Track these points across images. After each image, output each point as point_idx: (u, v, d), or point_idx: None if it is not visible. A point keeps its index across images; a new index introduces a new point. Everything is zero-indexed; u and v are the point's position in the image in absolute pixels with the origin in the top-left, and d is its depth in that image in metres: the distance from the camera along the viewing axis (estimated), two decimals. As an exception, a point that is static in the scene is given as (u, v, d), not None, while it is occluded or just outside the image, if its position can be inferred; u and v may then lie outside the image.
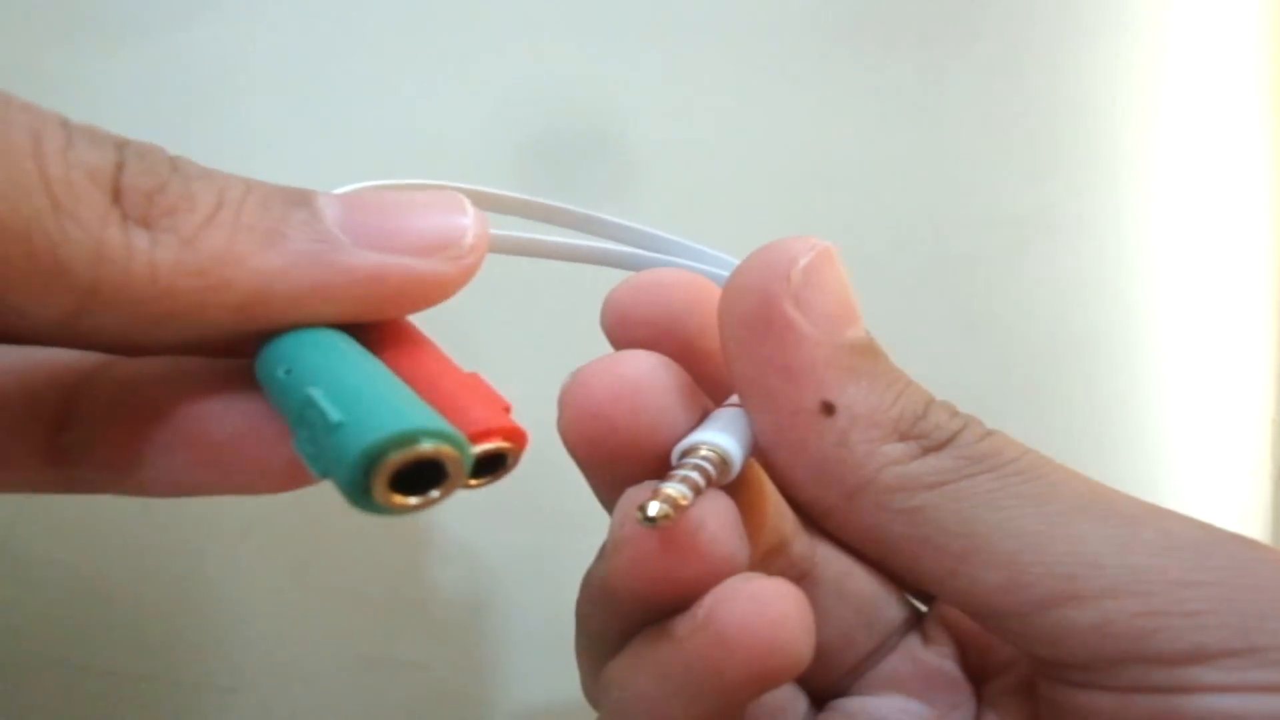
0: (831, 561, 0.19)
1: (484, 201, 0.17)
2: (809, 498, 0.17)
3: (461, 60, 0.30)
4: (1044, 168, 0.36)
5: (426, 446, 0.11)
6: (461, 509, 0.24)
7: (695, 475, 0.16)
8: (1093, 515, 0.15)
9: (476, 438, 0.13)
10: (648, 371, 0.17)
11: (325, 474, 0.12)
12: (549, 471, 0.23)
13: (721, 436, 0.16)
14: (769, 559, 0.19)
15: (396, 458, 0.11)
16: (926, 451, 0.16)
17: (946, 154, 0.34)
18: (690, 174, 0.22)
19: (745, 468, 0.17)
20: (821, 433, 0.16)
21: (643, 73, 0.31)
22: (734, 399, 0.18)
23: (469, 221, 0.14)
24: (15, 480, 0.15)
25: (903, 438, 0.16)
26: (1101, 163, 0.37)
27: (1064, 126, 0.36)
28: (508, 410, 0.14)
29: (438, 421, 0.12)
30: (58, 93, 0.28)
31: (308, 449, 0.12)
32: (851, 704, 0.19)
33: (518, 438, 0.13)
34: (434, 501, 0.12)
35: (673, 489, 0.15)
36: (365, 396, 0.12)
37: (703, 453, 0.16)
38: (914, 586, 0.20)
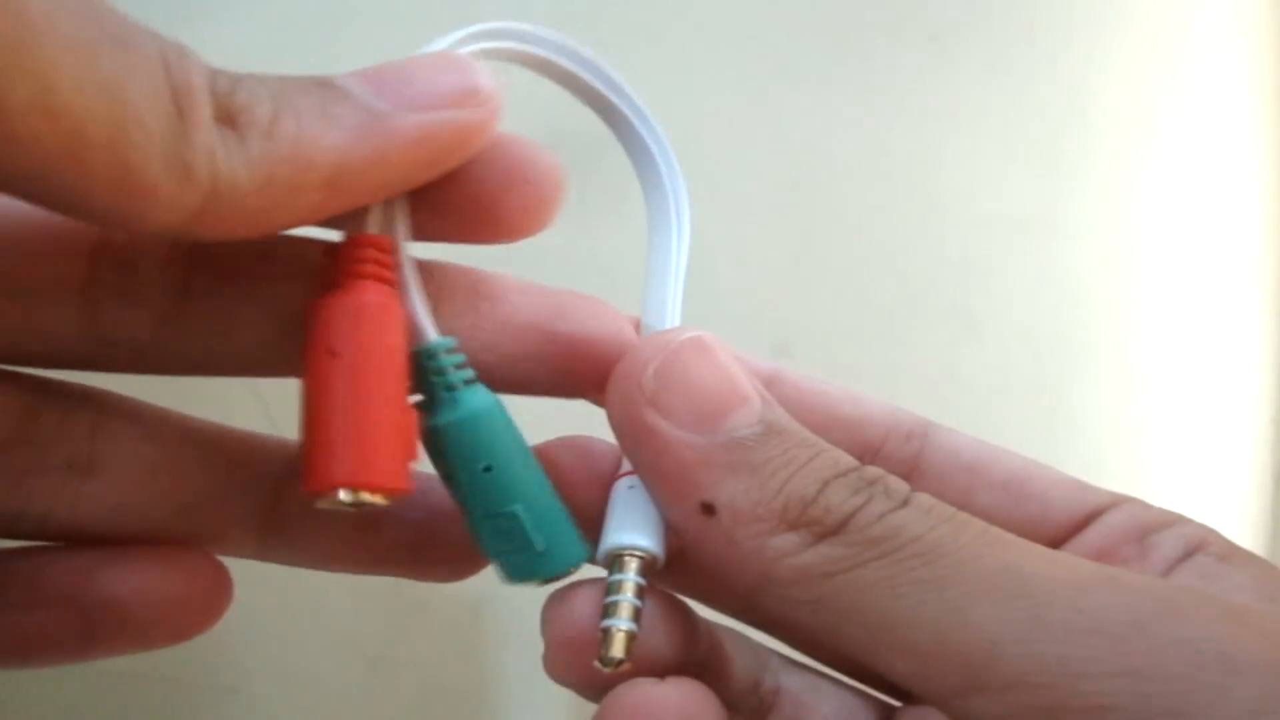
0: (795, 680, 0.20)
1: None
2: (726, 589, 0.17)
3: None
4: (1044, 168, 0.36)
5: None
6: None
7: (632, 599, 0.16)
8: (1000, 597, 0.14)
9: (364, 486, 0.15)
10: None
11: (508, 569, 0.17)
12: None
13: (641, 535, 0.17)
14: (736, 693, 0.19)
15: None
16: (820, 539, 0.15)
17: (946, 153, 0.34)
18: (690, 174, 0.22)
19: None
20: (709, 533, 0.16)
21: (643, 72, 0.31)
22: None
23: (478, 71, 0.15)
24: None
25: (792, 527, 0.15)
26: (1101, 163, 0.37)
27: (1064, 126, 0.36)
28: (407, 463, 0.15)
29: (586, 549, 0.17)
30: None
31: (494, 545, 0.16)
32: None
33: (393, 492, 0.15)
34: None
35: (624, 625, 0.16)
36: (556, 528, 0.16)
37: (633, 567, 0.17)
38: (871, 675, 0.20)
